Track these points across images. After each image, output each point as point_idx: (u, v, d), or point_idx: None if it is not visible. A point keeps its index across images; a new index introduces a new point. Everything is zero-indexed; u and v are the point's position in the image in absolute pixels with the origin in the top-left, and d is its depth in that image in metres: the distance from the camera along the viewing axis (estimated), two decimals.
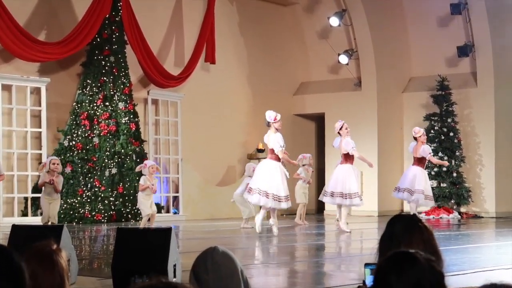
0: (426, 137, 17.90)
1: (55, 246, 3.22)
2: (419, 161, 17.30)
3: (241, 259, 3.30)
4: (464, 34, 22.41)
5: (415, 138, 17.43)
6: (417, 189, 16.94)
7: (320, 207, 23.08)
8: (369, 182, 20.93)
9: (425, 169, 17.55)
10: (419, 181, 17.01)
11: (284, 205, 14.09)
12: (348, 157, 15.65)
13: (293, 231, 16.44)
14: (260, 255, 11.88)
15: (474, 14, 22.01)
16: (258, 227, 14.11)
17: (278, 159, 14.17)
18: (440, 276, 2.42)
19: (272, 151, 14.15)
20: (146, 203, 15.04)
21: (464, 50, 22.06)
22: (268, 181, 13.96)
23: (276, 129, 14.11)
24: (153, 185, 14.95)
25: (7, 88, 17.71)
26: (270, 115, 14.20)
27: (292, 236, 15.29)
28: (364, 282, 3.36)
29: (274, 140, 14.07)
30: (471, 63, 22.53)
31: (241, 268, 3.08)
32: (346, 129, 15.73)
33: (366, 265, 3.35)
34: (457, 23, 22.55)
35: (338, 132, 15.85)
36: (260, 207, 14.60)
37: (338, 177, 15.68)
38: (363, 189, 21.83)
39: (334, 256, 11.76)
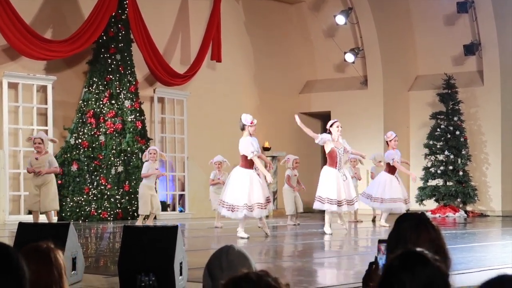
0: (396, 142, 17.45)
1: (52, 245, 3.24)
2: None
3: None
4: (471, 32, 22.39)
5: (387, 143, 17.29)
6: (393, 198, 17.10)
7: None
8: None
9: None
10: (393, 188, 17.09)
11: (265, 212, 13.63)
12: (329, 158, 14.96)
13: (303, 229, 16.43)
14: (268, 253, 11.87)
15: (480, 13, 21.99)
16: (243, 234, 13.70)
17: (250, 166, 13.53)
18: (446, 276, 2.45)
19: (244, 157, 13.51)
20: (216, 198, 15.83)
21: (471, 49, 22.05)
22: (245, 194, 13.31)
23: (250, 134, 13.48)
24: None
25: (13, 86, 17.75)
26: (246, 118, 13.42)
27: (299, 235, 15.28)
28: (376, 258, 3.38)
29: (243, 146, 13.39)
30: (477, 62, 22.51)
31: (256, 268, 3.08)
32: (338, 127, 15.01)
33: (380, 241, 3.38)
34: (463, 21, 22.53)
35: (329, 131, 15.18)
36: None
37: (320, 181, 14.97)
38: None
39: (339, 255, 11.76)
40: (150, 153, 15.74)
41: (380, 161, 18.92)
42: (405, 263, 2.43)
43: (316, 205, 14.87)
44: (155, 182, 16.75)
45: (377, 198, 17.18)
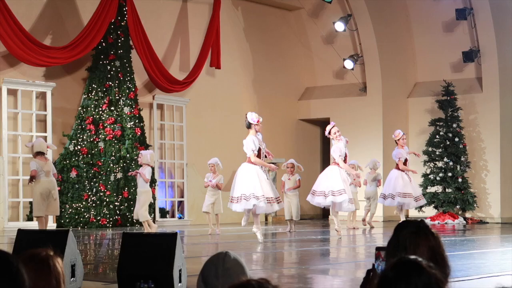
0: (405, 140, 18.02)
1: (51, 252, 3.23)
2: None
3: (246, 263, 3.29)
4: (470, 39, 22.41)
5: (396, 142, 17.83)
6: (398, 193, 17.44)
7: (325, 212, 23.06)
8: None
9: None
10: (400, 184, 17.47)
11: (276, 207, 13.94)
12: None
13: (302, 236, 16.42)
14: (264, 260, 11.86)
15: (479, 20, 22.01)
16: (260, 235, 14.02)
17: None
18: (442, 282, 2.45)
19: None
20: (207, 200, 16.64)
21: (470, 55, 22.06)
22: (252, 185, 13.64)
23: (256, 131, 13.83)
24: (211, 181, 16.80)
25: (12, 92, 17.75)
26: (253, 117, 13.77)
27: (294, 242, 15.28)
28: (373, 265, 3.37)
29: (246, 144, 13.75)
30: (476, 69, 22.53)
31: (250, 276, 3.07)
32: (335, 133, 15.32)
33: (378, 248, 3.37)
34: (462, 28, 22.56)
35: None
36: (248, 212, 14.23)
37: (322, 177, 15.46)
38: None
39: (336, 262, 11.75)
40: (138, 157, 16.16)
41: (371, 169, 19.33)
42: (400, 273, 2.43)
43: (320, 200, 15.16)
44: (151, 186, 16.76)
45: (389, 194, 17.57)
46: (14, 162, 17.83)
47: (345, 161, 15.36)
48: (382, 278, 2.47)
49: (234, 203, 13.77)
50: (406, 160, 17.71)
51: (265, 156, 14.24)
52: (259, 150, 13.77)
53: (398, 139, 17.70)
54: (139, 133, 19.00)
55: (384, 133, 22.82)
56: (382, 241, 14.69)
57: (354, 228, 18.36)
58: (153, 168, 17.08)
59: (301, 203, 17.69)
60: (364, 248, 14.55)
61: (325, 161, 23.98)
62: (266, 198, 13.58)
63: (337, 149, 15.16)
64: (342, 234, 15.69)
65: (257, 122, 13.76)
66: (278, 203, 13.85)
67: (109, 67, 18.81)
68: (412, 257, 2.52)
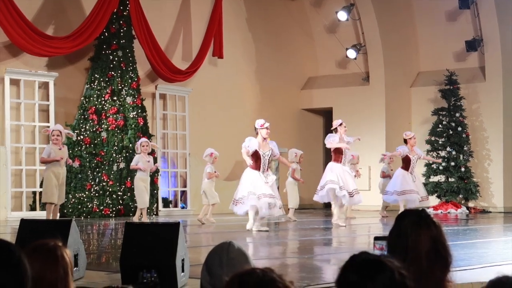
0: (415, 140, 18.24)
1: (60, 242, 3.24)
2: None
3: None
4: (473, 28, 22.38)
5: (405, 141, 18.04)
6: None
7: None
8: (377, 177, 20.90)
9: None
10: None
11: (277, 212, 14.15)
12: (335, 154, 15.56)
13: (305, 225, 16.43)
14: (270, 249, 11.88)
15: (482, 9, 21.97)
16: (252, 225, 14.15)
17: (257, 167, 14.07)
18: (405, 271, 2.44)
19: (253, 159, 14.04)
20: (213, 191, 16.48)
21: (473, 45, 22.03)
22: (254, 185, 13.92)
23: (264, 138, 14.04)
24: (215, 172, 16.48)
25: (15, 82, 17.75)
26: (257, 121, 14.27)
27: (299, 231, 15.29)
28: None
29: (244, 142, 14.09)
30: (479, 58, 22.50)
31: (254, 265, 3.08)
32: (344, 127, 15.63)
33: (376, 238, 3.38)
34: (465, 17, 22.52)
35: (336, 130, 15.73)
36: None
37: (325, 174, 15.68)
38: (371, 184, 21.84)
39: (339, 251, 11.75)
40: (143, 146, 16.06)
41: (391, 158, 19.47)
42: (363, 274, 2.38)
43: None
44: (153, 176, 16.88)
45: (394, 191, 17.80)
46: (17, 152, 17.84)
47: (340, 153, 15.53)
48: (345, 283, 2.41)
49: (235, 205, 14.14)
50: (409, 160, 17.81)
51: (268, 162, 14.35)
52: (257, 153, 13.88)
53: (409, 138, 17.96)
54: (142, 123, 19.00)
55: (386, 123, 22.82)
56: (382, 231, 14.69)
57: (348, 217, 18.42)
58: (156, 159, 17.06)
59: (301, 193, 18.13)
60: (368, 237, 14.57)
61: (328, 151, 23.96)
62: (267, 196, 13.78)
63: (329, 138, 15.45)
64: (343, 224, 15.69)
65: (261, 126, 14.02)
66: (280, 208, 14.13)
67: (111, 57, 18.79)
68: (367, 252, 2.49)
